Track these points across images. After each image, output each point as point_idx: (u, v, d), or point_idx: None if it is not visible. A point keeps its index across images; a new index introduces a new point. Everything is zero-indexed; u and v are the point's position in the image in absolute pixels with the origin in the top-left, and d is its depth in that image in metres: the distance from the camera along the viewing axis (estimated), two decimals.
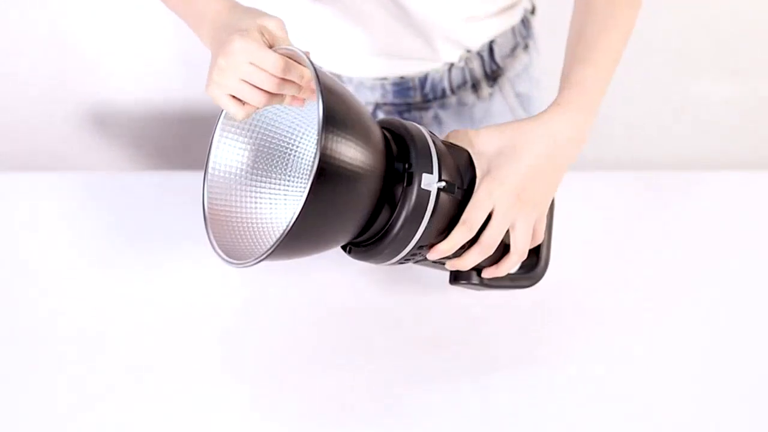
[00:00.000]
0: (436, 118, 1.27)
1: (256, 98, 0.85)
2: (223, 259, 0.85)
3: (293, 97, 0.87)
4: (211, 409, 0.95)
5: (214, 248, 0.86)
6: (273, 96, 0.85)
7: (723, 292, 1.10)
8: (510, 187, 0.87)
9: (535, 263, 0.98)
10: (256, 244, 0.88)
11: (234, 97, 0.85)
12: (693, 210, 1.26)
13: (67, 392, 0.97)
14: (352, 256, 0.90)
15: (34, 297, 1.13)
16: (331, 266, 1.10)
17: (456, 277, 0.93)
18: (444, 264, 0.91)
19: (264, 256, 0.78)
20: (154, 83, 1.96)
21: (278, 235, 0.81)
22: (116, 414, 0.95)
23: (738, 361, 0.99)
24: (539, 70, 1.32)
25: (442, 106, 1.26)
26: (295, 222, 0.75)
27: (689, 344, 1.02)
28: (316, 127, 0.86)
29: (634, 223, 1.22)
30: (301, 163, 0.92)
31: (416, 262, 0.89)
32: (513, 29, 1.24)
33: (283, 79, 0.84)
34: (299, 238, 0.77)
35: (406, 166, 0.84)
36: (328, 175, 0.76)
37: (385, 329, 1.01)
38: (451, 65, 1.21)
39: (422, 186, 0.83)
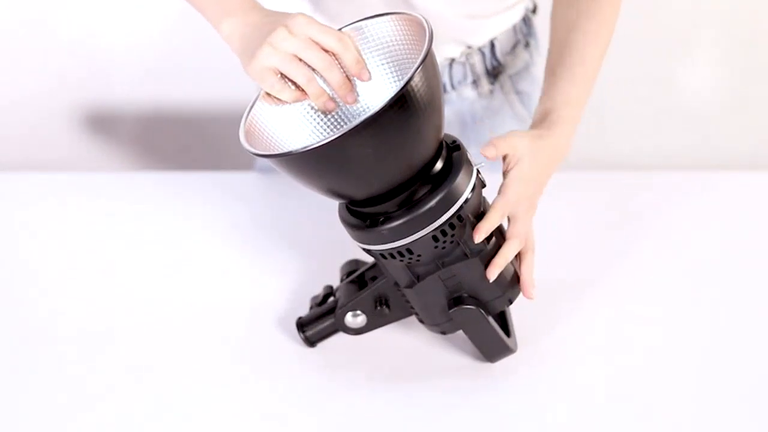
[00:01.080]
0: None
1: (301, 75, 0.86)
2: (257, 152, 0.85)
3: (328, 99, 0.88)
4: (212, 410, 0.95)
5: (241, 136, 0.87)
6: (310, 82, 0.87)
7: (723, 292, 1.10)
8: (524, 189, 0.94)
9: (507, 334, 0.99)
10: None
11: (281, 77, 0.87)
12: (692, 210, 1.26)
13: (67, 392, 0.97)
14: (382, 231, 0.87)
15: (34, 297, 1.13)
16: (336, 268, 1.10)
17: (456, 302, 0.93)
18: (474, 252, 0.90)
19: (328, 140, 0.78)
20: (155, 84, 1.96)
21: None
22: (116, 414, 0.94)
23: (738, 361, 0.99)
24: (540, 68, 1.32)
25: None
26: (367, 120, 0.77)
27: (689, 344, 1.02)
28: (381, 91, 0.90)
29: (633, 224, 1.22)
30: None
31: (443, 248, 0.88)
32: (514, 27, 1.24)
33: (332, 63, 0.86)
34: (354, 145, 0.79)
35: (453, 141, 0.91)
36: (404, 101, 0.79)
37: (386, 329, 1.01)
38: (452, 60, 1.22)
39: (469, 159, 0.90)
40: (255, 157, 1.47)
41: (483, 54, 1.23)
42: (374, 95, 0.90)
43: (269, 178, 1.37)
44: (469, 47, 1.21)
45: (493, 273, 0.90)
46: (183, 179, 1.38)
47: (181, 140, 2.02)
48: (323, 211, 1.18)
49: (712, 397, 0.95)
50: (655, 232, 1.21)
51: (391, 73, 0.90)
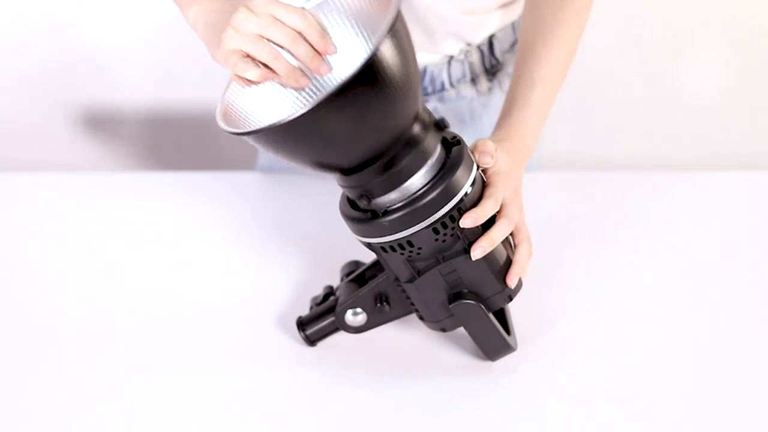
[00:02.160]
0: (435, 112, 1.28)
1: (267, 54, 0.85)
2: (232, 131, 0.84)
3: (300, 75, 0.87)
4: (212, 409, 0.95)
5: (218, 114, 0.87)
6: (276, 59, 0.85)
7: (723, 292, 1.10)
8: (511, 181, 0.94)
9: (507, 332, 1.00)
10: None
11: (246, 57, 0.86)
12: (692, 210, 1.26)
13: (67, 392, 0.97)
14: (383, 223, 0.87)
15: (34, 297, 1.13)
16: (337, 268, 1.10)
17: (456, 297, 0.93)
18: (470, 250, 0.90)
19: (295, 116, 0.77)
20: (155, 84, 1.96)
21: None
22: (116, 414, 0.95)
23: (738, 361, 0.99)
24: None
25: (441, 100, 1.27)
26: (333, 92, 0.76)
27: (689, 344, 1.02)
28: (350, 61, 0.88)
29: (632, 223, 1.22)
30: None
31: (443, 242, 0.89)
32: (513, 25, 1.25)
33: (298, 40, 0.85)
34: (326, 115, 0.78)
35: (454, 137, 0.91)
36: (371, 71, 0.78)
37: (386, 328, 1.01)
38: (451, 58, 1.22)
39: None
40: (256, 157, 1.47)
41: (482, 52, 1.23)
42: (349, 66, 0.89)
43: (270, 177, 1.37)
44: (468, 44, 1.22)
45: (476, 253, 0.89)
46: (183, 179, 1.38)
47: (181, 140, 2.02)
48: (324, 211, 1.18)
49: (712, 397, 0.95)
50: (654, 232, 1.21)
51: (364, 40, 0.89)
